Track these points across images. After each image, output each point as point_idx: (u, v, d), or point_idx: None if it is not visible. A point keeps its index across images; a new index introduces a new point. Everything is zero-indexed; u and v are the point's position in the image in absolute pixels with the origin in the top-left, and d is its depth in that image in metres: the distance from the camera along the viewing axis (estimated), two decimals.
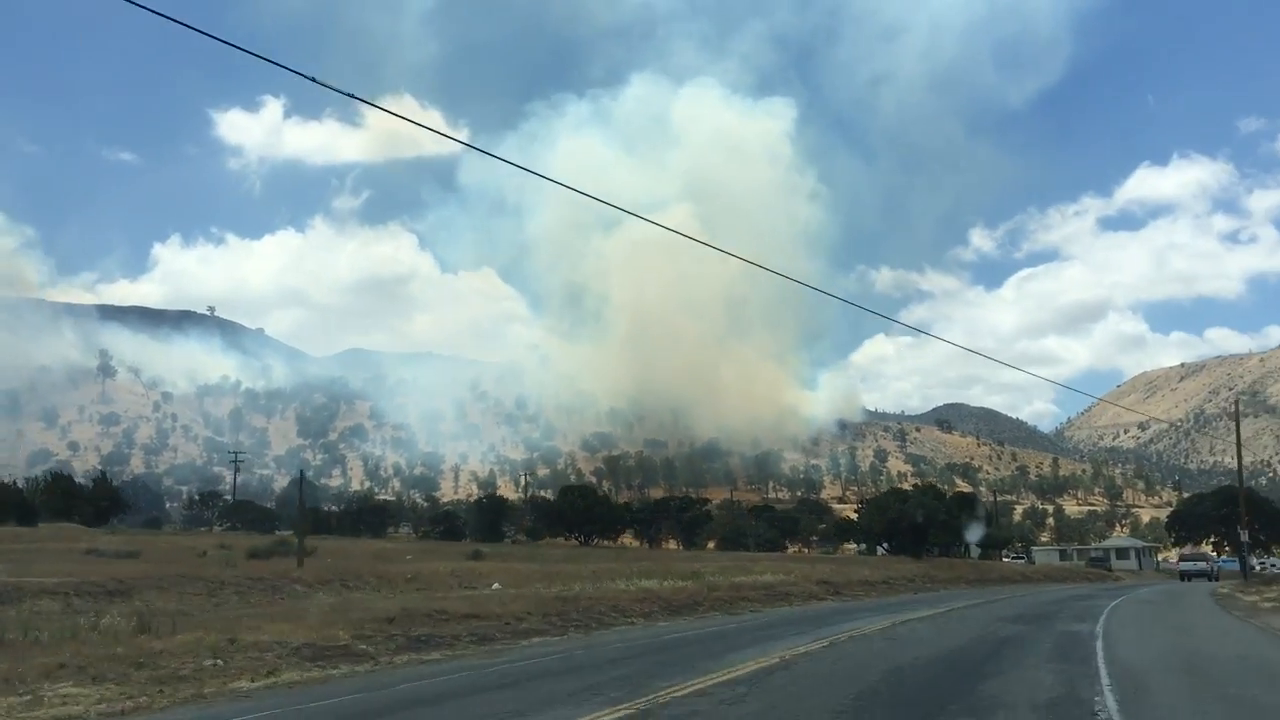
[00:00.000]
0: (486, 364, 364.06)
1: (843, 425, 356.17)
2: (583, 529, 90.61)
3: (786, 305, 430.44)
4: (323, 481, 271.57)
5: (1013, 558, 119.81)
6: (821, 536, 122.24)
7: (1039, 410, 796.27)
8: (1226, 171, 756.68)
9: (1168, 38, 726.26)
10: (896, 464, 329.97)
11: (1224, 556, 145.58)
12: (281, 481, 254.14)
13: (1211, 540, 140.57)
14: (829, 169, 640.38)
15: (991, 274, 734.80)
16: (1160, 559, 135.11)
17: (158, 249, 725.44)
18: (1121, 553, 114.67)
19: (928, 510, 73.35)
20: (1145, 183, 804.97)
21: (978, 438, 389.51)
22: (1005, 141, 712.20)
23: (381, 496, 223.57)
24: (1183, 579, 77.13)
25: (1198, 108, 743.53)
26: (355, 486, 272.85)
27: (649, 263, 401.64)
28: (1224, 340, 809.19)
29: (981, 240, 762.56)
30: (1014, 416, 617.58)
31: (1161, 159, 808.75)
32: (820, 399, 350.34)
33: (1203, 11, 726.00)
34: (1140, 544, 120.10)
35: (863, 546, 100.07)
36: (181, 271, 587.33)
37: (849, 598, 44.02)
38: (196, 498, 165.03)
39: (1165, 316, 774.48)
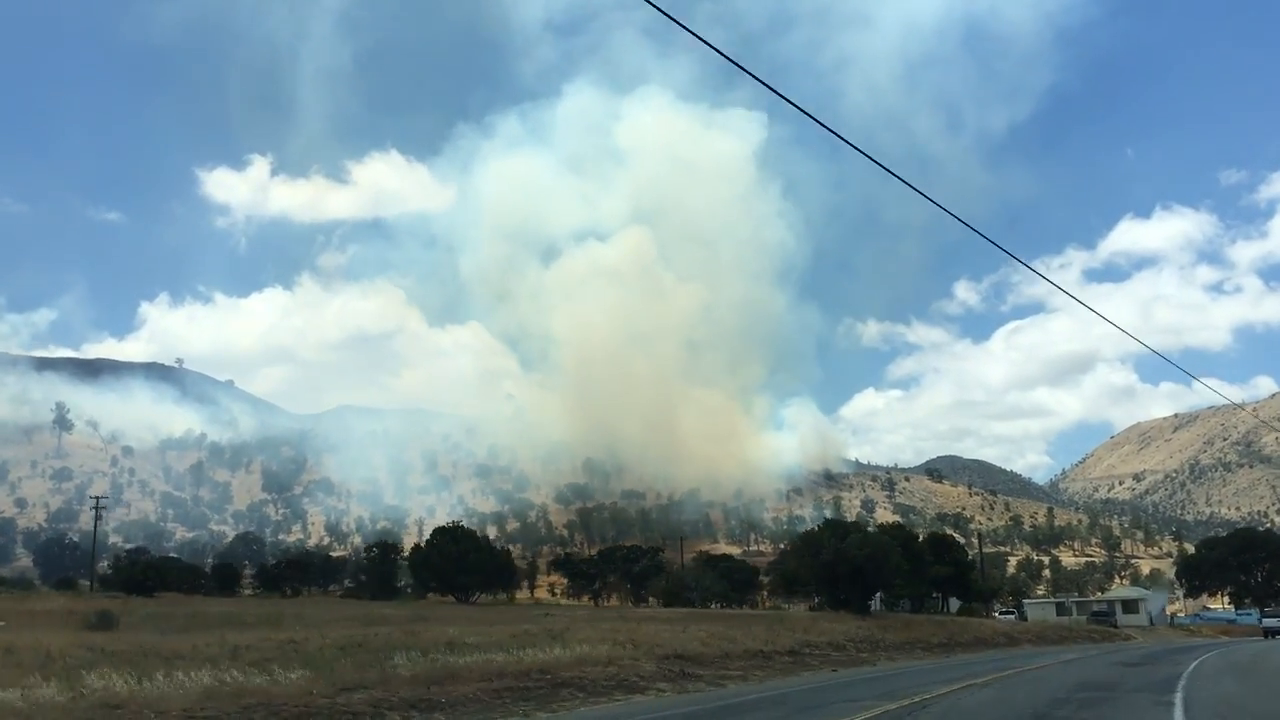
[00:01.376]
0: (464, 416, 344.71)
1: (828, 475, 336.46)
2: (457, 581, 71.04)
3: (751, 339, 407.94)
4: (280, 536, 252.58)
5: (1003, 612, 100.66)
6: (770, 589, 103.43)
7: (1033, 463, 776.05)
8: (1209, 223, 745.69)
9: (1144, 90, 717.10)
10: (884, 514, 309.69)
11: (1243, 609, 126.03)
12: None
13: (1228, 591, 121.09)
14: (797, 186, 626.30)
15: (978, 326, 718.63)
16: (1172, 614, 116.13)
17: (145, 307, 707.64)
18: (1129, 605, 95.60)
19: (876, 549, 54.44)
20: (1128, 235, 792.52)
21: (969, 487, 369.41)
22: (986, 195, 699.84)
23: (338, 552, 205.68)
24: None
25: (1177, 161, 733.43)
26: (314, 542, 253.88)
27: (595, 296, 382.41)
28: (1212, 391, 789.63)
29: (966, 293, 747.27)
30: (1007, 469, 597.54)
31: (1144, 211, 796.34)
32: (795, 444, 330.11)
33: (1178, 64, 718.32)
34: (1151, 595, 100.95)
35: (816, 600, 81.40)
36: (167, 330, 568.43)
37: (698, 680, 25.66)
38: (124, 554, 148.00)
39: (1155, 367, 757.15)
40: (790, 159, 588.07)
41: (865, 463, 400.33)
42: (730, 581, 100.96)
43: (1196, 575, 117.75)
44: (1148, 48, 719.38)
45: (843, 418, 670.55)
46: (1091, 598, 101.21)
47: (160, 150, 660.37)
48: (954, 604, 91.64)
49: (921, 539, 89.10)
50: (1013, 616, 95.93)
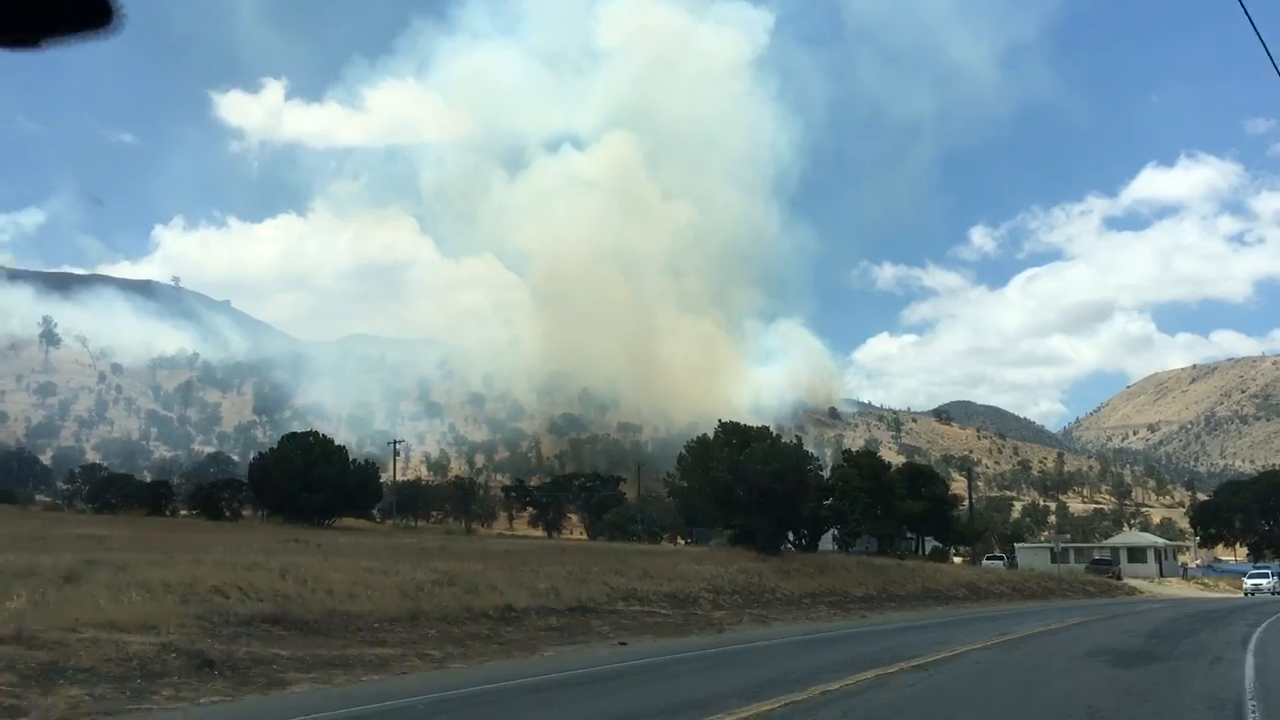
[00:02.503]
0: (464, 344, 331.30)
1: (833, 413, 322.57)
2: (300, 501, 56.63)
3: (743, 261, 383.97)
4: None
5: (991, 557, 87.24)
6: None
7: (1046, 410, 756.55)
8: (1234, 172, 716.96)
9: (1170, 37, 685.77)
10: (889, 454, 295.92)
11: (1264, 563, 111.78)
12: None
13: (1249, 540, 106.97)
14: (798, 91, 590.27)
15: (994, 273, 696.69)
16: (1184, 564, 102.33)
17: (159, 230, 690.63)
18: (1136, 553, 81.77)
19: (788, 466, 39.84)
20: (1151, 183, 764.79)
21: (978, 430, 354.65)
22: (1008, 142, 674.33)
23: None
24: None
25: (1203, 108, 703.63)
26: None
27: (569, 211, 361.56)
28: (1231, 343, 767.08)
29: (983, 239, 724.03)
30: (1021, 416, 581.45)
31: (1168, 160, 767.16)
32: (791, 377, 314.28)
33: (1206, 10, 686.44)
34: (1161, 542, 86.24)
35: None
36: (182, 255, 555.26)
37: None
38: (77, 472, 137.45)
39: (1172, 318, 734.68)
40: (792, 61, 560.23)
41: (872, 404, 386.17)
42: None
43: (1213, 523, 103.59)
44: None
45: (855, 361, 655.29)
46: (1093, 544, 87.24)
47: (173, 72, 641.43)
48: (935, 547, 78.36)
49: (893, 469, 75.50)
50: (1002, 563, 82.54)
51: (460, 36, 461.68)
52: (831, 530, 61.25)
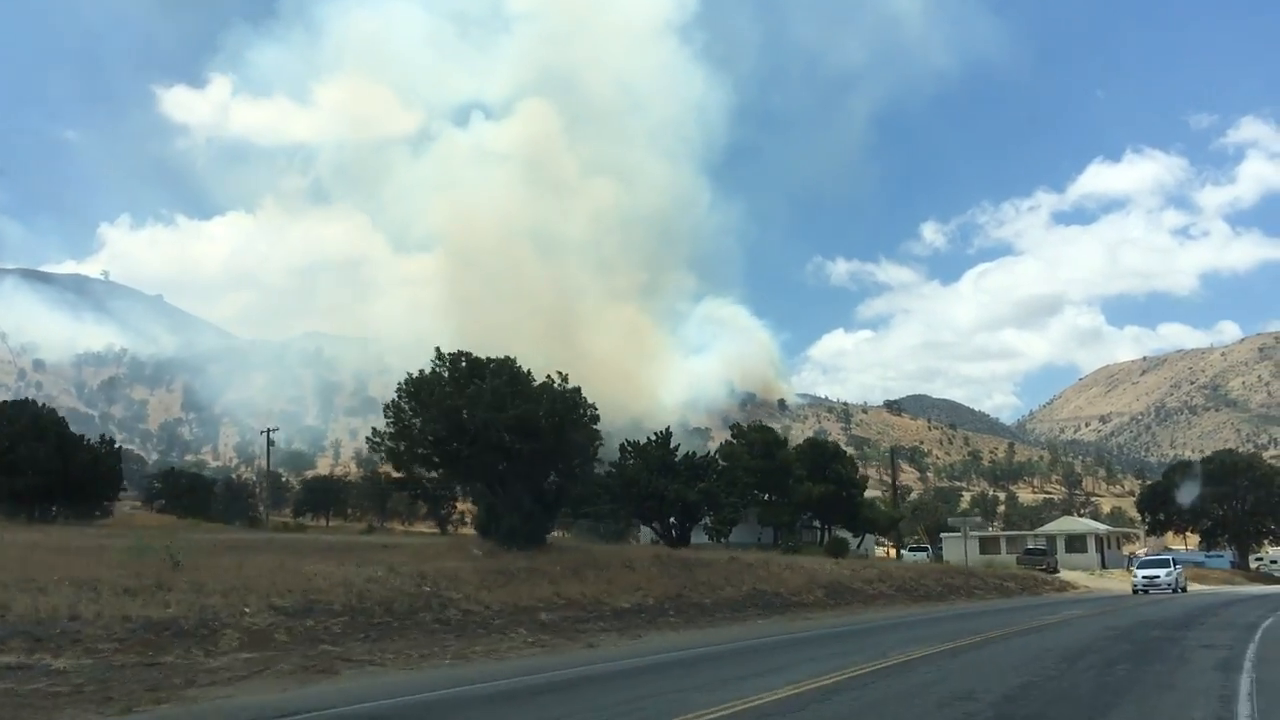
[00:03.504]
0: (406, 337, 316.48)
1: (782, 405, 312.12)
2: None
3: (669, 237, 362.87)
4: (187, 457, 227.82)
5: (913, 548, 76.21)
6: None
7: (1000, 403, 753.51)
8: (1179, 166, 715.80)
9: (1115, 32, 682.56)
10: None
11: (1215, 551, 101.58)
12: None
13: (1202, 527, 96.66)
14: (730, 50, 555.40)
15: (946, 268, 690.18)
16: (1130, 553, 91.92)
17: (104, 229, 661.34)
18: (1074, 542, 70.85)
19: (558, 408, 26.49)
20: (1098, 178, 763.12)
21: (929, 421, 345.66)
22: (960, 136, 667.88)
23: (244, 474, 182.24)
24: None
25: (1148, 104, 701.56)
26: (221, 463, 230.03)
27: (479, 186, 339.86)
28: (1178, 336, 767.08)
29: (934, 235, 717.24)
30: (976, 409, 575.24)
31: (1114, 155, 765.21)
32: (730, 366, 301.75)
33: (1150, 7, 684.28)
34: (1103, 529, 74.88)
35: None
36: (127, 253, 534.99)
37: None
38: None
39: (1120, 311, 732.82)
40: (721, 18, 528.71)
41: (826, 397, 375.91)
42: None
43: (1161, 508, 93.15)
44: None
45: (811, 357, 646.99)
46: (1026, 532, 75.81)
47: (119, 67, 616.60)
48: (855, 539, 67.03)
49: (792, 447, 63.97)
50: (925, 554, 71.55)
51: None
52: (704, 520, 49.88)
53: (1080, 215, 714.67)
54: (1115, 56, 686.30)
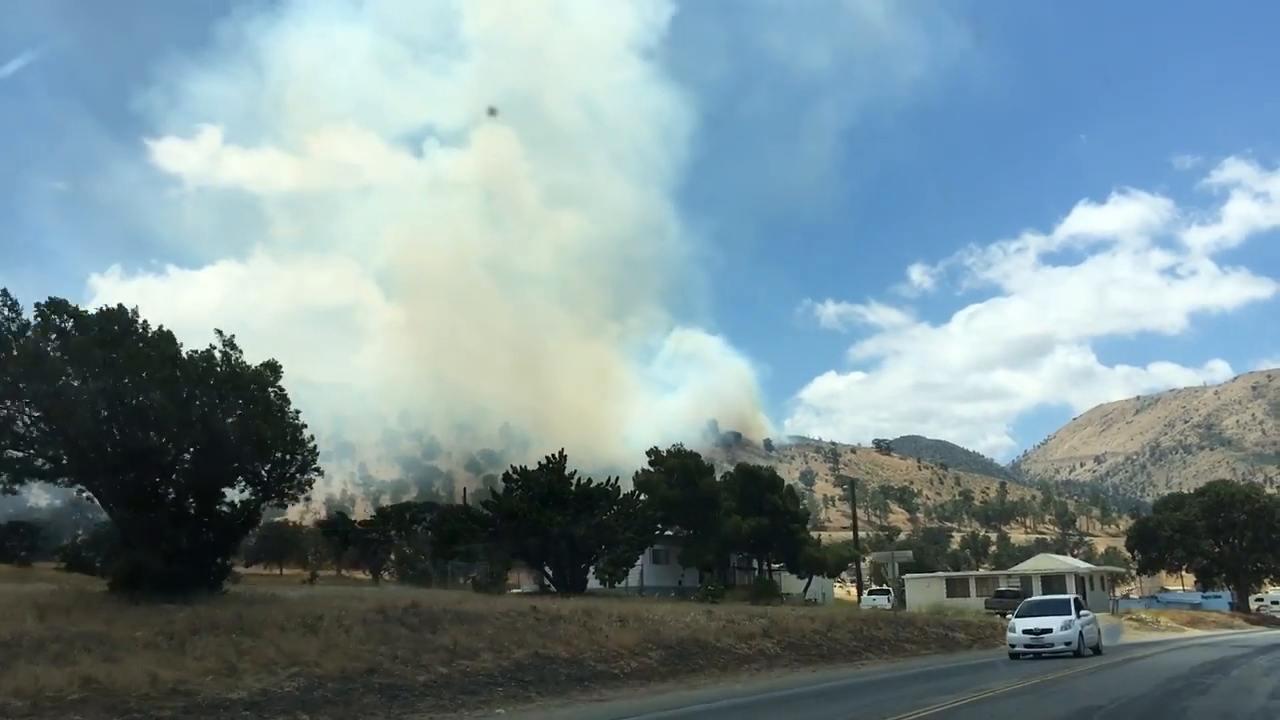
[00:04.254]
0: (382, 381, 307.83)
1: (768, 445, 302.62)
2: None
3: (637, 268, 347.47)
4: None
5: (873, 591, 67.20)
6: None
7: (994, 444, 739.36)
8: (1165, 207, 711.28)
9: (1096, 76, 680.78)
10: (825, 487, 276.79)
11: (1213, 592, 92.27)
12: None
13: (1195, 565, 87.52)
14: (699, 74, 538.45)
15: (935, 309, 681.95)
16: (1120, 594, 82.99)
17: (95, 279, 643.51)
18: (1052, 583, 61.78)
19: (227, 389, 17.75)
20: (1084, 219, 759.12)
21: (919, 460, 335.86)
22: (946, 181, 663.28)
23: None
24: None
25: (1131, 146, 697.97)
26: None
27: (430, 218, 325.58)
28: (1168, 375, 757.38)
29: (921, 277, 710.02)
30: (970, 449, 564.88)
31: (1100, 196, 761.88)
32: (699, 398, 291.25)
33: (1130, 51, 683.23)
34: (1085, 568, 65.46)
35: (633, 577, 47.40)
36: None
37: None
38: None
39: (1110, 351, 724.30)
40: (685, 38, 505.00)
41: (817, 438, 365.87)
42: None
43: (1153, 545, 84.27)
44: (1101, 34, 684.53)
45: (803, 400, 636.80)
46: (998, 572, 66.29)
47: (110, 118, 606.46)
48: (793, 580, 58.14)
49: (721, 476, 55.25)
50: (886, 598, 62.56)
51: (292, 21, 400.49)
52: (596, 558, 41.10)
53: (1068, 256, 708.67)
54: (1097, 100, 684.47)
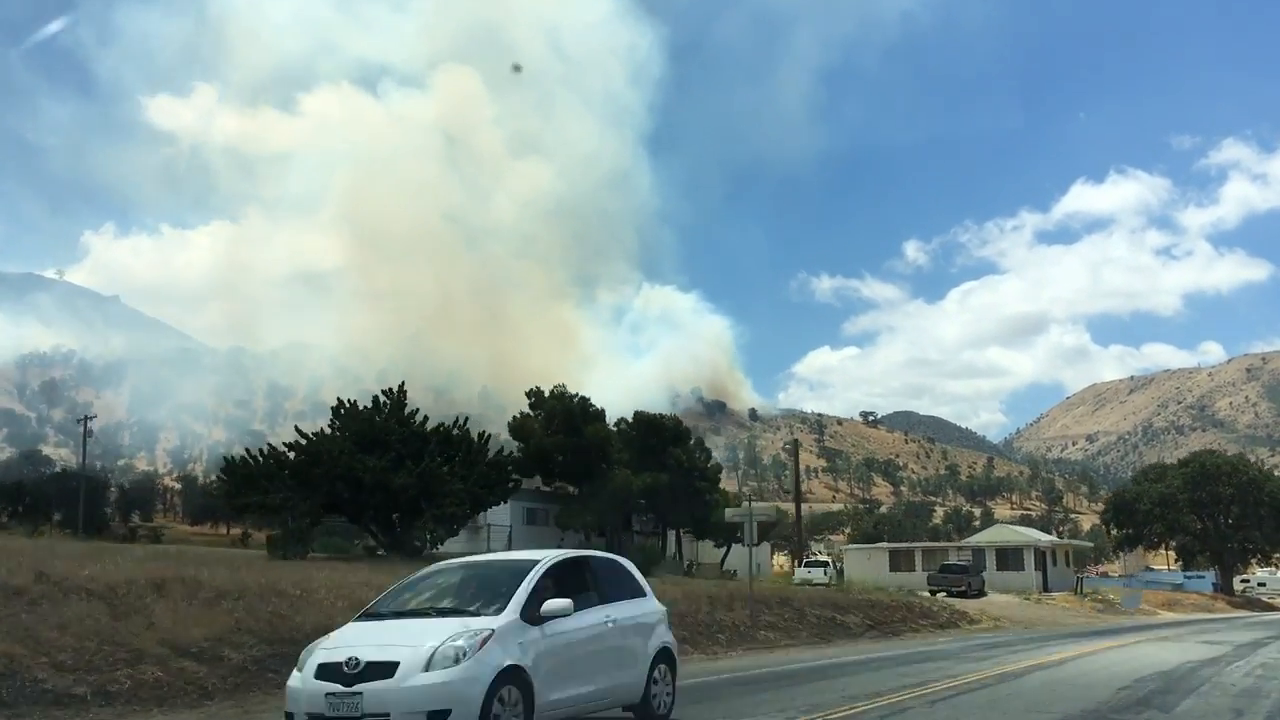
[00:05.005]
0: (364, 340, 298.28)
1: (753, 415, 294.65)
2: None
3: (607, 216, 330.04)
4: (121, 462, 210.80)
5: (810, 563, 59.22)
6: None
7: (987, 421, 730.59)
8: (1163, 187, 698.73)
9: (1095, 54, 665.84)
10: (809, 457, 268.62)
11: (1196, 572, 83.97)
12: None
13: (1180, 540, 79.41)
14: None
15: (929, 286, 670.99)
16: (1091, 572, 74.85)
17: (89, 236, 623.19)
18: (1007, 557, 53.52)
19: None
20: (1081, 198, 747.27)
21: (906, 434, 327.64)
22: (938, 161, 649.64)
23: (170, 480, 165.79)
24: None
25: (1130, 125, 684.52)
26: (155, 468, 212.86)
27: (381, 168, 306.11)
28: (1162, 356, 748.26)
29: (916, 254, 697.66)
30: (963, 426, 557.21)
31: (1098, 175, 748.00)
32: (670, 360, 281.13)
33: (1131, 29, 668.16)
34: (1046, 540, 56.41)
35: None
36: (112, 261, 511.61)
37: None
38: None
39: (1104, 330, 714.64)
40: None
41: (808, 410, 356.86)
42: None
43: (1130, 519, 76.01)
44: (1100, 10, 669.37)
45: (796, 374, 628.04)
46: (946, 544, 57.59)
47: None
48: (698, 546, 49.98)
49: (617, 423, 46.62)
50: (824, 571, 54.64)
51: None
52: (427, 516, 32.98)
53: (1064, 235, 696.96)
54: (1096, 78, 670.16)
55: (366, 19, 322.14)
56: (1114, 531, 79.91)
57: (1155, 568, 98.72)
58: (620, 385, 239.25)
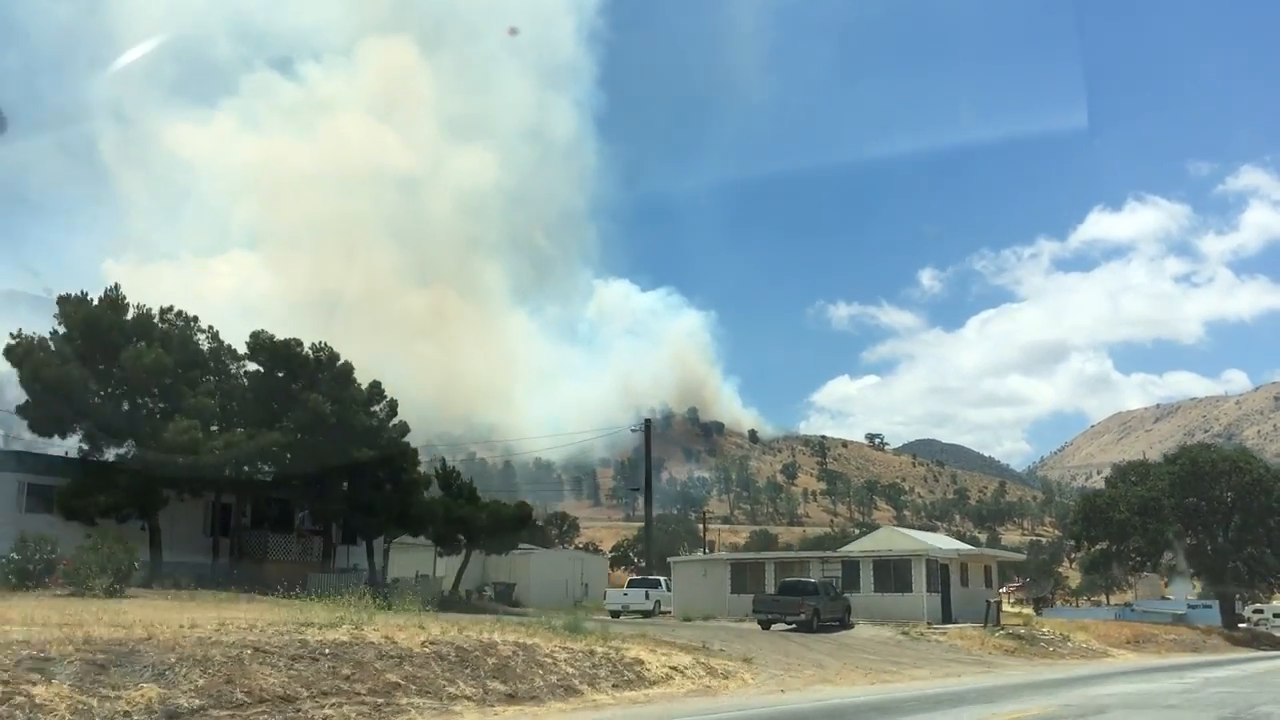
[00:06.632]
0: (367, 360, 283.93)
1: (753, 436, 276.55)
2: None
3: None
4: None
5: (635, 583, 42.46)
6: None
7: (1011, 450, 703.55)
8: (1182, 214, 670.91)
9: (1111, 81, 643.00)
10: (808, 480, 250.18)
11: (1203, 600, 64.35)
12: None
13: (1165, 560, 61.38)
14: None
15: (947, 314, 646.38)
16: (997, 599, 56.90)
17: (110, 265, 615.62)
18: (889, 570, 36.15)
19: None
20: (1098, 225, 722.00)
21: (913, 456, 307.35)
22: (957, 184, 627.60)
23: None
24: None
25: (1146, 152, 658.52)
26: None
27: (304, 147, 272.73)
28: (1185, 384, 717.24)
29: (931, 282, 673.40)
30: (986, 454, 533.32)
31: (1115, 203, 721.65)
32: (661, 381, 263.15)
33: (1148, 56, 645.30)
34: (951, 549, 38.13)
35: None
36: (136, 290, 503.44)
37: None
38: None
39: (1127, 359, 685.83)
40: None
41: (800, 432, 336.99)
42: None
43: (1105, 531, 58.30)
44: (1115, 38, 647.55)
45: (815, 403, 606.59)
46: (811, 554, 40.43)
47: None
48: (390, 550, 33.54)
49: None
50: (644, 596, 37.94)
51: None
52: None
53: (1082, 262, 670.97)
54: (1112, 105, 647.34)
55: None
56: (1084, 548, 62.40)
57: (1168, 596, 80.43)
58: (576, 399, 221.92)
